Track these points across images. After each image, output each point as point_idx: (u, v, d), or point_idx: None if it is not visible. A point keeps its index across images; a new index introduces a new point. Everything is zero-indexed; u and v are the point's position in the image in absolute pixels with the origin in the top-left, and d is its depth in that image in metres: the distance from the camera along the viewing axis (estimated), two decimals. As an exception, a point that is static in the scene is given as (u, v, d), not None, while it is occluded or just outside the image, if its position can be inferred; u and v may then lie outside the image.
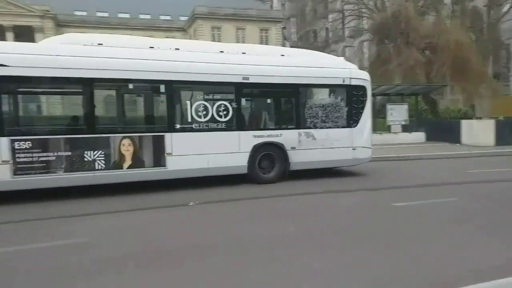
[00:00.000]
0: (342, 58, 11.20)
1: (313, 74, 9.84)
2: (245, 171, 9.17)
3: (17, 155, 7.38)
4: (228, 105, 9.00)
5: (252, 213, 6.89)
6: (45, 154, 7.59)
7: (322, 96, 10.41)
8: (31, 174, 7.51)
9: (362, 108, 10.32)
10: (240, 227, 5.95)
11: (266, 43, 47.18)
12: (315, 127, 9.91)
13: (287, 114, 10.22)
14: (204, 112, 8.76)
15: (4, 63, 7.28)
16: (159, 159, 8.42)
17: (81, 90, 8.12)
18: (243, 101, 9.40)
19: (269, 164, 9.52)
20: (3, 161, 7.30)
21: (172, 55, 8.67)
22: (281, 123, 9.96)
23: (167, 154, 8.43)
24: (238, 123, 9.15)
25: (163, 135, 8.44)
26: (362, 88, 10.33)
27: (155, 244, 5.16)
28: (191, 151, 8.67)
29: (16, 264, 4.46)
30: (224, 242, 5.17)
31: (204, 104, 8.79)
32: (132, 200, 7.75)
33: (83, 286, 3.89)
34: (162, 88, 8.52)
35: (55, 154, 7.68)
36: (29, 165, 7.48)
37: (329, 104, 10.17)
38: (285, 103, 10.38)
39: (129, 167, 8.22)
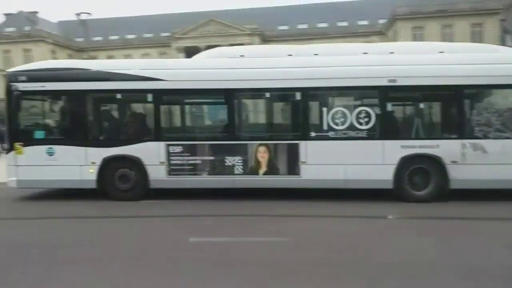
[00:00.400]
0: None
1: (480, 73, 8.02)
2: (389, 186, 8.06)
3: (171, 158, 8.39)
4: (370, 111, 8.11)
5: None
6: (192, 158, 8.40)
7: (495, 99, 8.45)
8: (181, 175, 8.42)
9: None
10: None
11: (480, 40, 40.39)
12: (485, 137, 8.02)
13: (447, 121, 8.67)
14: (342, 119, 8.12)
15: (162, 78, 8.40)
16: (293, 168, 8.26)
17: (223, 100, 8.61)
18: (389, 106, 8.26)
19: (421, 180, 8.08)
20: (160, 162, 8.40)
21: (309, 61, 8.42)
22: (438, 132, 8.54)
23: (301, 162, 8.20)
24: (381, 132, 8.15)
25: (298, 143, 8.25)
26: None
27: (355, 252, 5.09)
28: (327, 161, 8.18)
29: (230, 253, 5.05)
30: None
31: (342, 110, 8.16)
32: (325, 208, 7.71)
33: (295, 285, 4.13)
34: (298, 95, 8.31)
35: (201, 158, 8.40)
36: (180, 167, 8.40)
37: (506, 109, 8.19)
38: (444, 108, 8.83)
39: (265, 173, 8.34)
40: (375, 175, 8.06)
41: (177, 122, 9.47)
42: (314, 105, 8.55)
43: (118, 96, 8.85)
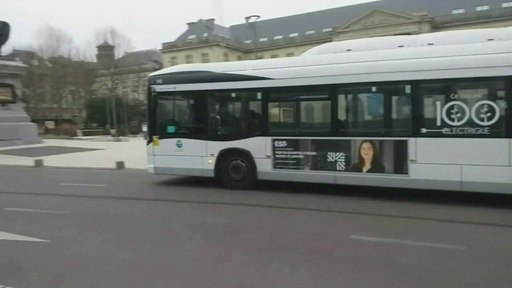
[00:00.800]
0: None
1: None
2: None
3: (276, 152, 8.79)
4: (494, 105, 6.94)
5: None
6: (296, 152, 8.62)
7: None
8: (285, 169, 8.73)
9: None
10: None
11: None
12: None
13: None
14: (459, 115, 7.17)
15: (270, 77, 8.81)
16: (400, 166, 7.68)
17: (326, 96, 8.50)
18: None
19: None
20: (267, 156, 8.88)
21: (422, 52, 7.61)
22: None
23: (410, 161, 7.56)
24: (509, 128, 6.90)
25: (406, 140, 7.59)
26: None
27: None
28: (440, 160, 7.34)
29: (393, 255, 4.75)
30: None
31: (458, 105, 7.17)
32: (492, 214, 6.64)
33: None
34: (407, 89, 7.65)
35: (304, 153, 8.54)
36: (284, 161, 8.73)
37: None
38: None
39: (368, 171, 7.97)
40: (500, 177, 6.86)
41: (282, 118, 9.72)
42: (426, 99, 7.76)
43: (233, 95, 9.60)
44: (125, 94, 61.30)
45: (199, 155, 9.55)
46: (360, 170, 8.06)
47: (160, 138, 10.02)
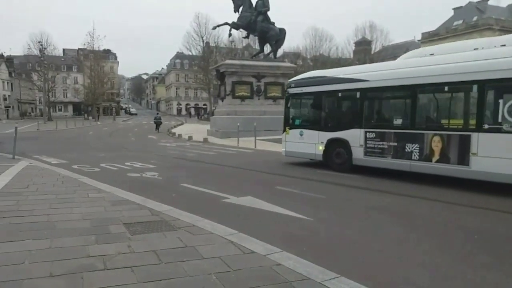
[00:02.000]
0: None
1: None
2: None
3: (367, 142, 10.48)
4: None
5: None
6: (381, 143, 10.17)
7: None
8: (372, 156, 10.37)
9: None
10: None
11: None
12: None
13: None
14: None
15: (367, 79, 10.51)
16: (463, 158, 8.46)
17: (408, 95, 9.77)
18: None
19: None
20: (360, 145, 10.64)
21: (490, 53, 8.25)
22: None
23: (472, 154, 8.30)
24: None
25: (470, 135, 8.38)
26: None
27: None
28: (499, 154, 7.85)
29: None
30: None
31: None
32: None
33: None
34: (474, 88, 8.42)
35: (387, 143, 10.02)
36: (372, 150, 10.38)
37: None
38: None
39: (437, 161, 8.93)
40: None
41: (373, 113, 11.07)
42: (489, 98, 8.31)
43: (339, 94, 11.67)
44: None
45: (314, 142, 12.03)
46: (430, 160, 9.08)
47: (290, 129, 13.02)
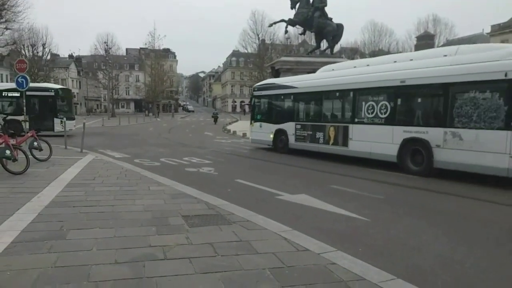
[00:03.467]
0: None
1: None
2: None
3: (296, 131, 14.96)
4: (388, 104, 11.24)
5: None
6: (304, 132, 14.58)
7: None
8: (299, 142, 14.76)
9: None
10: None
11: None
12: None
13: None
14: (371, 110, 11.68)
15: (296, 86, 15.16)
16: (345, 141, 12.72)
17: (317, 98, 14.25)
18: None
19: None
20: (292, 134, 15.19)
21: (364, 71, 12.48)
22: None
23: (349, 138, 12.53)
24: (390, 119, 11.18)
25: (348, 126, 12.60)
26: None
27: None
28: (365, 138, 11.92)
29: None
30: None
31: (372, 104, 11.71)
32: None
33: None
34: (351, 94, 12.66)
35: (306, 132, 14.43)
36: (299, 137, 14.79)
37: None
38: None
39: (332, 144, 13.27)
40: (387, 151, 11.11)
41: (299, 111, 15.22)
42: (357, 101, 12.35)
43: (281, 97, 16.12)
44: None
45: (268, 132, 16.38)
46: (328, 143, 13.35)
47: (254, 122, 17.72)
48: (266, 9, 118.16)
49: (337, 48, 39.41)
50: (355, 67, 13.24)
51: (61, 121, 20.03)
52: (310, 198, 7.14)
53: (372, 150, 11.61)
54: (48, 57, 62.16)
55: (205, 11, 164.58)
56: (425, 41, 63.47)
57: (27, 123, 17.99)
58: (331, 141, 13.21)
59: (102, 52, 68.91)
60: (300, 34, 40.26)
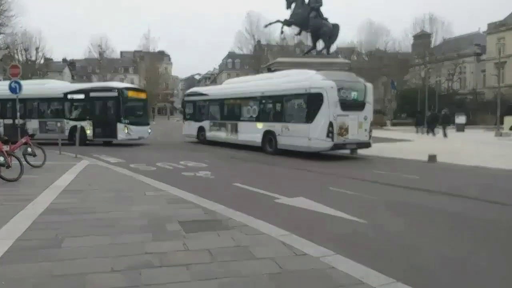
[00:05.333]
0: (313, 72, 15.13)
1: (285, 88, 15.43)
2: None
3: (210, 127, 20.09)
4: (257, 108, 16.95)
5: None
6: (214, 127, 19.88)
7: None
8: (212, 134, 20.19)
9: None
10: None
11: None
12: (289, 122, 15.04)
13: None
14: (248, 111, 17.52)
15: (209, 94, 21.02)
16: (236, 133, 18.18)
17: (220, 103, 19.68)
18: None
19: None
20: (208, 129, 20.40)
21: (238, 86, 19.61)
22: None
23: (238, 131, 18.04)
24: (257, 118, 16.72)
25: (237, 123, 17.90)
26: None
27: None
28: (247, 131, 17.56)
29: None
30: None
31: (249, 108, 17.79)
32: None
33: None
34: (238, 101, 18.40)
35: (215, 128, 19.73)
36: (211, 131, 20.11)
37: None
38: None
39: (230, 136, 18.78)
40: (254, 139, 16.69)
41: (211, 112, 20.40)
42: (243, 105, 17.88)
43: (201, 102, 21.33)
44: (438, 84, 58.47)
45: (194, 128, 21.22)
46: (228, 135, 18.69)
47: (185, 120, 22.72)
48: (261, 10, 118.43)
49: (333, 48, 39.40)
50: (242, 82, 20.40)
51: (125, 126, 18.35)
52: (308, 201, 7.10)
53: (249, 139, 16.84)
54: (42, 61, 61.95)
55: (199, 13, 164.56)
56: (421, 40, 63.58)
57: (90, 131, 18.67)
58: (229, 134, 18.34)
59: (96, 55, 68.68)
60: (296, 35, 40.26)
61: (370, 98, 14.77)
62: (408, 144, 21.07)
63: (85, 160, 12.53)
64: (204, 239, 4.51)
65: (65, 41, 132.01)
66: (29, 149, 10.38)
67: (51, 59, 69.86)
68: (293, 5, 29.39)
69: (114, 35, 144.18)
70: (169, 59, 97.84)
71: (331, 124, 13.35)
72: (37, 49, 58.72)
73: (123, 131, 18.33)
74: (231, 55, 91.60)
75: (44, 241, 4.36)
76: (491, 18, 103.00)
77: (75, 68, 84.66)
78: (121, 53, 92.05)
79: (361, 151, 15.34)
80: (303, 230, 5.07)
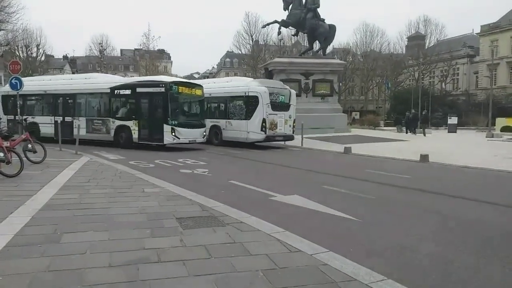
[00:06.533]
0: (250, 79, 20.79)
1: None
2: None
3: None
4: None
5: None
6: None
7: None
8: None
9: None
10: None
11: None
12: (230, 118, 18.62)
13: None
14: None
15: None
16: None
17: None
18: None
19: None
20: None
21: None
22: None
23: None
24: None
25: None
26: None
27: None
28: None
29: None
30: None
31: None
32: None
33: None
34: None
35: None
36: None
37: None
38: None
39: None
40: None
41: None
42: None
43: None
44: (431, 85, 58.89)
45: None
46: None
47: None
48: (259, 10, 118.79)
49: (329, 49, 39.55)
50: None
51: (172, 129, 15.69)
52: (302, 199, 7.21)
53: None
54: (43, 58, 61.77)
55: (198, 12, 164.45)
56: (416, 41, 64.01)
57: (136, 132, 16.43)
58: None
59: (96, 53, 68.53)
60: (293, 35, 40.33)
61: (294, 101, 19.25)
62: (402, 143, 21.22)
63: (85, 156, 12.58)
64: (201, 235, 4.60)
65: (66, 38, 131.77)
66: (29, 145, 10.42)
67: (52, 56, 69.66)
68: (290, 6, 29.48)
69: (115, 33, 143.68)
70: (169, 57, 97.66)
71: (264, 121, 17.49)
72: (37, 46, 58.56)
73: (170, 134, 15.69)
74: (229, 55, 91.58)
75: (42, 236, 4.43)
76: (484, 19, 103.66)
77: (75, 66, 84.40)
78: (122, 51, 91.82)
79: (360, 151, 15.43)
80: (297, 227, 5.18)
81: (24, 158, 9.34)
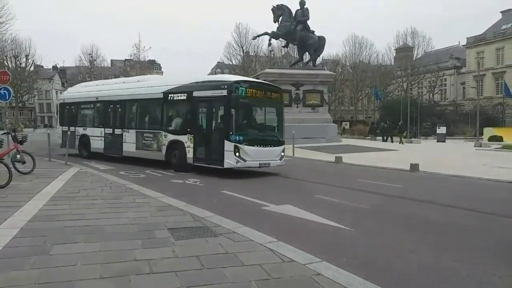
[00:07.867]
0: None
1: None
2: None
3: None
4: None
5: None
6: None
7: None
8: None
9: None
10: None
11: None
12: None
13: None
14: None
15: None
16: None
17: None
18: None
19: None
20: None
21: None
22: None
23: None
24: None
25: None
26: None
27: None
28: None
29: None
30: None
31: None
32: None
33: None
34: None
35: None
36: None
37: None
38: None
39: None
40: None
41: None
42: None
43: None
44: (420, 95, 59.75)
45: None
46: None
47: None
48: (250, 21, 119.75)
49: (319, 60, 39.94)
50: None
51: (236, 147, 11.08)
52: (295, 209, 7.20)
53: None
54: (32, 68, 61.37)
55: (189, 23, 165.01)
56: (404, 53, 65.11)
57: (191, 150, 12.08)
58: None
59: (86, 63, 68.32)
60: (283, 47, 40.65)
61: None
62: (392, 153, 21.40)
63: (75, 167, 12.44)
64: (193, 245, 4.57)
65: (55, 48, 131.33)
66: (18, 156, 10.27)
67: (41, 66, 69.27)
68: (280, 18, 29.78)
69: (105, 44, 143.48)
70: (160, 68, 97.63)
71: None
72: (27, 56, 58.19)
73: (233, 155, 11.07)
74: (220, 65, 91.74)
75: (32, 248, 4.35)
76: (470, 31, 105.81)
77: (65, 76, 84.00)
78: (112, 61, 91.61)
79: (351, 160, 15.45)
80: (290, 237, 5.16)
81: (13, 169, 9.21)
